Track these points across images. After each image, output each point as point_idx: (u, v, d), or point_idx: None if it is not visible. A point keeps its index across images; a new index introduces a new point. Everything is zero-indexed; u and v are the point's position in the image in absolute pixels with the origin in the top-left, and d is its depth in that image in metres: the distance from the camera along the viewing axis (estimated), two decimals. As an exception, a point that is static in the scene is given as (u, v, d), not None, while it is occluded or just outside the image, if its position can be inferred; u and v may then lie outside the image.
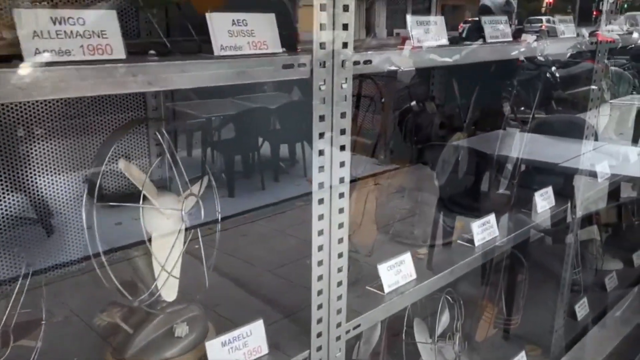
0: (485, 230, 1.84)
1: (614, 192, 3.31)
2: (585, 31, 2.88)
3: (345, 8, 1.11)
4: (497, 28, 1.64)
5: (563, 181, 2.46)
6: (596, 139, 3.43)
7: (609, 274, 3.05)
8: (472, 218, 1.84)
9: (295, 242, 1.97)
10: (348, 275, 1.39)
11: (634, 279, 3.17)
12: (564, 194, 2.34)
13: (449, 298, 1.90)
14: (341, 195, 1.22)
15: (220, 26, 0.96)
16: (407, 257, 1.57)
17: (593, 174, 2.78)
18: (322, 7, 1.07)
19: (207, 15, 0.94)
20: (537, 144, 2.99)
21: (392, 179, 1.96)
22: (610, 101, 5.07)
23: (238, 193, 4.29)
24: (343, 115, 1.17)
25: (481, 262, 1.82)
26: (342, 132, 1.18)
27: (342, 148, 1.18)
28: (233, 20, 0.98)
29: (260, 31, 1.02)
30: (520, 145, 2.43)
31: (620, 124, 5.09)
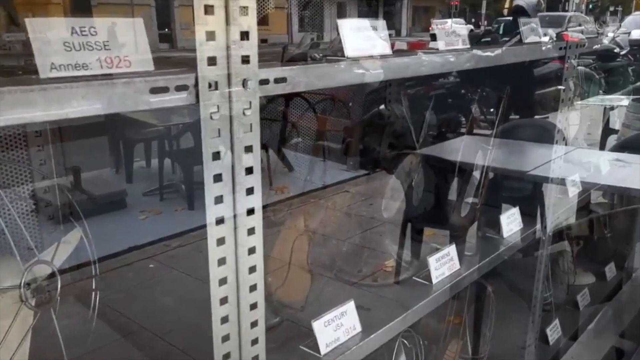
0: (444, 265, 1.59)
1: (584, 202, 3.14)
2: (552, 32, 2.67)
3: (244, 10, 0.83)
4: (456, 33, 1.39)
5: (531, 190, 2.25)
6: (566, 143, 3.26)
7: (581, 290, 2.86)
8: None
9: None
10: (276, 332, 1.12)
11: (606, 293, 2.99)
12: (532, 204, 2.13)
13: (405, 342, 1.65)
14: (251, 231, 0.94)
15: (54, 37, 0.68)
16: (349, 307, 1.30)
17: (563, 183, 2.58)
18: (209, 10, 0.80)
19: (27, 21, 0.66)
20: (504, 150, 2.78)
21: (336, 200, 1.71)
22: (579, 102, 4.92)
23: (198, 205, 4.02)
24: (248, 149, 0.90)
25: (441, 301, 1.58)
26: (248, 171, 0.91)
27: (249, 171, 0.91)
28: (73, 29, 0.70)
29: (118, 43, 0.74)
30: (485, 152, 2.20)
31: (589, 125, 4.94)
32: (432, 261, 1.55)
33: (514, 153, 2.66)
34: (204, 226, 0.88)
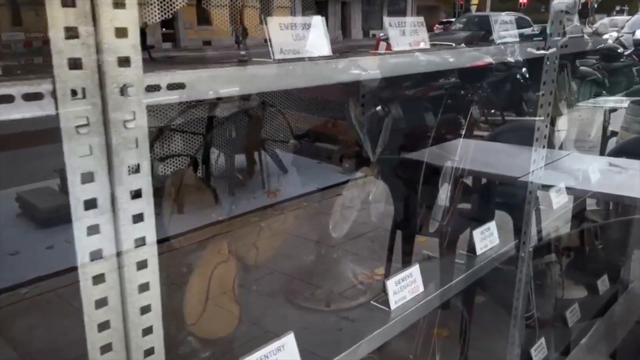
0: (405, 288, 1.45)
1: (578, 209, 2.98)
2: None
3: (119, 3, 0.69)
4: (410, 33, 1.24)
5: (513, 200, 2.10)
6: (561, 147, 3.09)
7: (571, 305, 2.70)
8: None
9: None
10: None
11: (598, 308, 2.83)
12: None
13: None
14: (141, 265, 0.79)
15: None
16: (288, 340, 1.16)
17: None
18: (69, 1, 0.65)
19: None
20: (492, 155, 2.63)
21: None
22: (578, 104, 4.76)
23: (187, 209, 3.92)
24: (134, 169, 0.75)
25: (400, 328, 1.43)
26: (135, 194, 0.76)
27: (136, 194, 0.76)
28: None
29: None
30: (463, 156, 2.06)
31: (590, 127, 4.76)
32: (391, 284, 1.40)
33: (500, 158, 2.51)
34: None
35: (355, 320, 1.40)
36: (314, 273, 1.47)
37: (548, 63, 1.65)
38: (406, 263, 1.70)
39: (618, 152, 3.64)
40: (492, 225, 1.78)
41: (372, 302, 1.43)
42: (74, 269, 0.72)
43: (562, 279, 2.64)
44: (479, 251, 1.71)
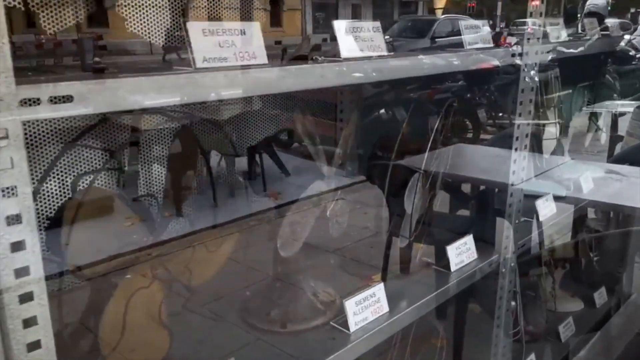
0: (367, 308, 1.35)
1: (577, 220, 2.86)
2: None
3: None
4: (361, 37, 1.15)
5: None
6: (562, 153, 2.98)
7: (565, 318, 2.58)
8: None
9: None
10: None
11: (595, 322, 2.71)
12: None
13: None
14: (26, 297, 0.71)
15: None
16: (226, 369, 1.07)
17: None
18: None
19: None
20: (486, 160, 2.53)
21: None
22: (585, 108, 4.66)
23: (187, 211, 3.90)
24: (8, 191, 0.67)
25: (362, 351, 1.34)
26: (12, 220, 0.69)
27: (14, 220, 0.69)
28: None
29: None
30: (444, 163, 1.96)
31: (597, 132, 4.63)
32: (351, 305, 1.31)
33: (494, 163, 2.40)
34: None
35: (312, 342, 1.31)
36: (272, 291, 1.38)
37: (525, 70, 1.55)
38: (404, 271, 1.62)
39: (620, 159, 3.51)
40: (469, 239, 1.68)
41: (331, 322, 1.35)
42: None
43: (554, 291, 2.52)
44: (453, 267, 1.61)
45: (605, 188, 2.67)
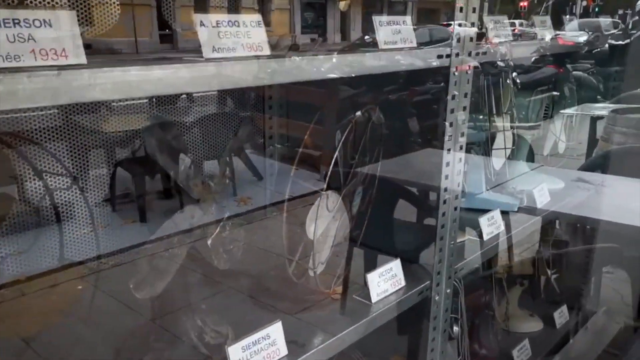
0: (259, 353, 1.16)
1: (543, 233, 2.69)
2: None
3: None
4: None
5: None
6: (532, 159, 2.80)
7: (521, 340, 2.40)
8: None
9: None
10: None
11: (555, 343, 2.54)
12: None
13: None
14: None
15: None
16: None
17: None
18: None
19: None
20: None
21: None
22: (564, 111, 4.50)
23: (152, 217, 3.75)
24: None
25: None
26: None
27: None
28: None
29: None
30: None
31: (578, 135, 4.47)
32: (235, 351, 1.11)
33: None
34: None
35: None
36: (149, 333, 1.18)
37: (456, 74, 1.36)
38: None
39: (591, 166, 3.34)
40: (395, 264, 1.49)
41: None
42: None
43: (507, 312, 2.35)
44: (374, 298, 1.42)
45: (570, 198, 2.51)
